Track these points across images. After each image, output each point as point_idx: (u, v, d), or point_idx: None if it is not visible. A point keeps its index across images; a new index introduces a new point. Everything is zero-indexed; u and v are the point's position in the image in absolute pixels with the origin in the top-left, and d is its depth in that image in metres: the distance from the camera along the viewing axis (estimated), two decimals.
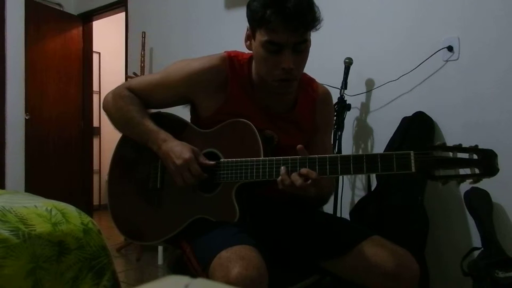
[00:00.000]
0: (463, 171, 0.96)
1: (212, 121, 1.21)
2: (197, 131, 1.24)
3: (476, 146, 0.96)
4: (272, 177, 1.09)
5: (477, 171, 0.95)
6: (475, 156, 0.95)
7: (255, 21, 1.12)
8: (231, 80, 1.22)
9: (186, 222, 1.16)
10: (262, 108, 1.24)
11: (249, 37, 1.19)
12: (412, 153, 0.97)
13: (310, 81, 1.33)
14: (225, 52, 1.26)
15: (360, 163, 1.02)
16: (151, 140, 1.20)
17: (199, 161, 1.15)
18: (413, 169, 0.97)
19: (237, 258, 0.94)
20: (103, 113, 1.35)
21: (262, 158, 1.11)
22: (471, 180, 0.96)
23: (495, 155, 0.94)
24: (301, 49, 1.13)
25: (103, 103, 1.33)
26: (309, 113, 1.30)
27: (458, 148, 0.96)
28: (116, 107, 1.27)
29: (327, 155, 1.05)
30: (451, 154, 0.96)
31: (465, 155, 0.96)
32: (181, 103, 1.30)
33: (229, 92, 1.21)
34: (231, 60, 1.23)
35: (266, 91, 1.23)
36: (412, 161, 0.97)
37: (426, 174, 0.97)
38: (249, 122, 1.15)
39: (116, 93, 1.29)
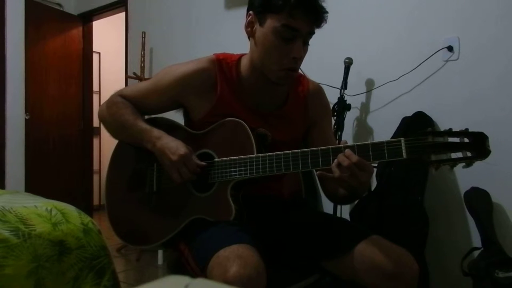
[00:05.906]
0: (455, 155, 0.95)
1: (204, 123, 1.22)
2: (191, 133, 1.25)
3: (467, 129, 0.95)
4: (266, 173, 1.09)
5: (469, 154, 0.94)
6: (466, 140, 0.94)
7: (274, 6, 1.11)
8: (220, 82, 1.23)
9: (183, 224, 1.16)
10: (253, 107, 1.25)
11: (252, 23, 1.18)
12: (402, 139, 0.97)
13: (300, 77, 1.34)
14: (213, 54, 1.27)
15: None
16: (145, 139, 1.21)
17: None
18: (405, 155, 0.96)
19: (234, 257, 0.94)
20: None
21: (255, 155, 1.11)
22: (463, 164, 0.95)
23: (486, 137, 0.94)
24: (308, 41, 1.16)
25: (99, 113, 1.36)
26: (301, 109, 1.30)
27: (449, 132, 0.95)
28: (109, 114, 1.30)
29: (319, 148, 1.05)
30: (442, 139, 0.96)
31: (456, 139, 0.95)
32: (173, 108, 1.32)
33: (218, 94, 1.22)
34: (219, 62, 1.24)
35: (257, 89, 1.24)
36: (403, 147, 0.96)
37: (418, 160, 0.97)
38: (241, 121, 1.16)
39: (109, 101, 1.32)
